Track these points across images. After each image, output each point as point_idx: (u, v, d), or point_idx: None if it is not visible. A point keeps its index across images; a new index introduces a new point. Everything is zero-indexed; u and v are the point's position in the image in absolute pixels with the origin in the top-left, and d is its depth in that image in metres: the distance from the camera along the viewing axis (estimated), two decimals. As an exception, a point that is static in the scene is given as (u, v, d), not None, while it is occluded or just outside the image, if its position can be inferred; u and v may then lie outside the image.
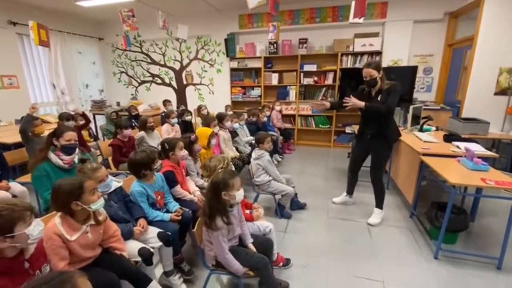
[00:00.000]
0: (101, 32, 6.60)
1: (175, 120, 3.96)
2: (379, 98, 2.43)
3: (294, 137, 5.63)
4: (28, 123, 2.83)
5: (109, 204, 1.69)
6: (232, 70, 5.79)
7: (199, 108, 4.77)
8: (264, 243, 1.83)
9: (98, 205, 1.39)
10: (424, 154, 2.50)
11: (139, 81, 6.80)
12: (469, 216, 2.38)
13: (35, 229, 1.06)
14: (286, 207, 2.83)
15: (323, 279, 1.95)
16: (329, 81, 5.20)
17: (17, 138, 3.28)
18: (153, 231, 1.77)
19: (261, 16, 5.30)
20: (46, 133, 2.38)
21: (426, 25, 4.66)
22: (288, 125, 5.57)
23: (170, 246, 1.78)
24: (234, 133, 3.70)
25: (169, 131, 3.79)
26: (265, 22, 5.25)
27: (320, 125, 5.49)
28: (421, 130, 3.33)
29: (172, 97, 6.47)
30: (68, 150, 2.11)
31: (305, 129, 5.63)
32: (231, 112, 4.46)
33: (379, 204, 2.70)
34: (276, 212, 2.82)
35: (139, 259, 1.54)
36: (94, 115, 6.03)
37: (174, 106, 5.94)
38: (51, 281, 0.71)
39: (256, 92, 5.73)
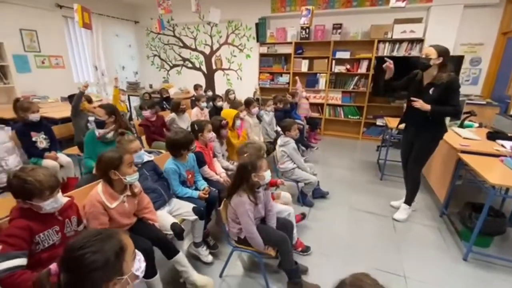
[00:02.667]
0: (137, 15, 6.81)
1: (204, 104, 4.06)
2: (431, 91, 2.15)
3: (321, 126, 5.51)
4: (79, 100, 3.08)
5: (144, 177, 1.83)
6: (261, 55, 5.73)
7: (227, 93, 4.82)
8: (285, 223, 1.89)
9: (133, 178, 1.53)
10: (463, 152, 2.34)
11: (171, 64, 6.99)
12: (507, 220, 2.22)
13: (50, 204, 1.22)
14: (309, 196, 2.84)
15: (341, 268, 1.97)
16: (362, 69, 4.95)
17: (63, 114, 3.59)
18: (187, 206, 1.90)
19: (295, 0, 5.12)
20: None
21: (478, 10, 4.21)
22: (315, 114, 5.46)
23: (203, 220, 1.92)
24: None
25: (198, 115, 3.90)
26: (299, 6, 5.06)
27: (350, 116, 5.30)
28: (461, 126, 3.10)
29: (201, 81, 6.59)
30: (98, 125, 2.38)
31: (333, 119, 5.48)
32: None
33: (409, 200, 2.59)
34: (298, 199, 2.83)
35: (171, 232, 1.67)
36: (129, 96, 6.36)
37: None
38: (98, 235, 0.79)
39: (284, 79, 5.64)
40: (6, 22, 4.32)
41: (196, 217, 1.88)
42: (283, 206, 2.05)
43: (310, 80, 5.38)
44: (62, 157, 2.73)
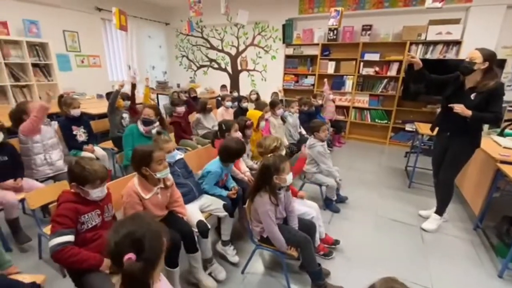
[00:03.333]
0: (168, 17, 7.09)
1: (229, 103, 4.14)
2: (472, 97, 2.02)
3: (346, 130, 5.40)
4: (115, 97, 3.29)
5: (176, 174, 1.92)
6: (287, 57, 5.72)
7: (250, 93, 4.88)
8: (308, 225, 1.88)
9: (163, 173, 1.61)
10: (502, 162, 2.19)
11: (198, 65, 7.20)
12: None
13: (97, 192, 1.38)
14: (334, 201, 2.77)
15: (364, 275, 1.92)
16: (392, 72, 4.79)
17: (100, 110, 3.84)
18: (218, 202, 1.97)
19: (323, 1, 5.07)
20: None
21: (524, 10, 3.91)
22: (341, 117, 5.36)
23: (232, 217, 1.97)
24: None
25: (224, 114, 3.99)
26: (327, 7, 5.01)
27: (377, 120, 5.14)
28: (501, 134, 2.89)
29: (226, 81, 6.71)
30: (145, 123, 2.55)
31: (359, 123, 5.34)
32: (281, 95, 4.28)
33: (440, 210, 2.47)
34: (323, 204, 2.80)
35: (196, 229, 1.73)
36: (157, 94, 6.64)
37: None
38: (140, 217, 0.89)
39: (309, 80, 5.59)
40: (51, 24, 4.70)
41: (226, 213, 1.94)
42: (306, 208, 2.05)
43: (336, 82, 5.28)
44: (98, 150, 2.92)
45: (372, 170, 3.88)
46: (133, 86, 3.76)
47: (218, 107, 4.40)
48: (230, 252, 2.03)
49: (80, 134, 2.83)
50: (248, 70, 6.52)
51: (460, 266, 2.04)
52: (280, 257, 1.77)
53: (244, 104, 4.34)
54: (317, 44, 5.25)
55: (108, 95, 3.63)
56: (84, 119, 2.94)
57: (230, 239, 2.09)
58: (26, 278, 1.36)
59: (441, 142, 2.35)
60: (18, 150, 2.24)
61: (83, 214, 1.35)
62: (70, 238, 1.27)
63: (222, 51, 6.70)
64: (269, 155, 1.76)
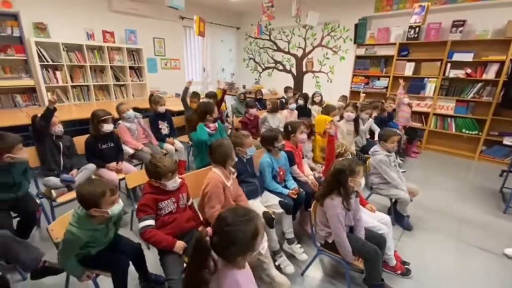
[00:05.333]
0: (239, 22, 7.51)
1: (293, 105, 4.16)
2: None
3: (423, 139, 4.81)
4: (185, 94, 3.67)
5: (247, 171, 2.06)
6: (358, 57, 5.41)
7: (313, 95, 4.78)
8: (377, 238, 1.77)
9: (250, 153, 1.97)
10: None
11: (263, 67, 7.42)
12: None
13: (171, 183, 1.59)
14: (406, 216, 2.51)
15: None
16: (489, 75, 4.05)
17: (178, 108, 4.31)
18: (275, 198, 2.02)
19: (404, -4, 4.63)
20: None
21: None
22: (417, 124, 4.80)
23: (289, 214, 2.00)
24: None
25: (288, 116, 4.02)
26: (409, 3, 4.55)
27: (464, 130, 4.42)
28: None
29: (290, 83, 6.74)
30: (215, 120, 2.79)
31: (440, 132, 4.69)
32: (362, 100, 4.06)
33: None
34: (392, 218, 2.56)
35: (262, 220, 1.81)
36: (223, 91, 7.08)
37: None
38: (244, 216, 0.98)
39: (382, 82, 5.17)
40: (145, 33, 5.49)
41: (282, 210, 1.97)
42: (377, 223, 1.91)
43: (415, 86, 4.75)
44: (177, 143, 3.31)
45: (454, 187, 3.37)
46: (224, 92, 4.04)
47: (281, 108, 4.45)
48: (297, 250, 2.05)
49: (164, 128, 3.26)
50: (313, 72, 6.41)
51: None
52: (345, 266, 1.70)
53: (300, 102, 4.30)
54: (394, 44, 4.81)
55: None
56: (167, 115, 3.37)
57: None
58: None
59: None
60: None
61: (161, 201, 1.58)
62: (151, 222, 1.52)
63: (288, 53, 6.75)
64: (341, 158, 1.72)
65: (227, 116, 4.94)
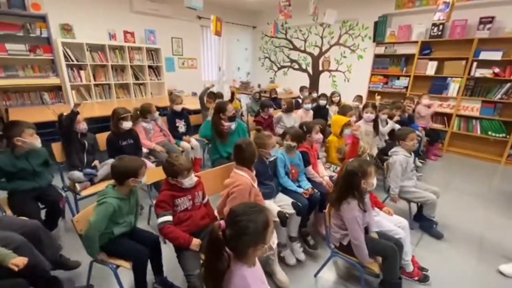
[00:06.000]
0: (255, 21, 7.51)
1: (308, 105, 4.11)
2: None
3: (445, 141, 4.62)
4: (204, 93, 3.72)
5: (268, 173, 2.09)
6: (376, 56, 5.27)
7: (332, 95, 4.70)
8: (392, 240, 1.72)
9: (273, 156, 1.98)
10: None
11: (279, 66, 7.39)
12: None
13: (187, 181, 1.63)
14: (434, 221, 2.39)
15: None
16: (519, 74, 3.83)
17: (195, 106, 4.39)
18: (287, 199, 2.03)
19: (428, -8, 4.45)
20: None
21: None
22: (438, 126, 4.61)
23: (300, 216, 2.00)
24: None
25: (303, 116, 3.99)
26: (432, 0, 4.37)
27: (490, 132, 4.20)
28: None
29: (305, 82, 6.67)
30: (231, 118, 2.74)
31: (463, 134, 4.48)
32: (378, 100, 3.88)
33: None
34: (410, 222, 2.48)
35: (276, 219, 1.82)
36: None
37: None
38: (254, 207, 1.02)
39: (402, 82, 5.00)
40: (163, 32, 5.62)
41: (294, 211, 1.96)
42: (393, 227, 1.86)
43: (437, 85, 4.57)
44: (193, 141, 3.37)
45: (478, 193, 3.21)
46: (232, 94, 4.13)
47: (296, 108, 4.42)
48: (296, 248, 2.07)
49: (181, 126, 3.33)
50: (330, 71, 6.31)
51: None
52: (360, 270, 1.68)
53: (321, 102, 4.24)
54: (416, 42, 4.65)
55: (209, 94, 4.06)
56: (184, 114, 3.43)
57: (307, 239, 2.12)
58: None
59: None
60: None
61: (177, 198, 1.63)
62: (169, 218, 1.57)
63: (304, 51, 6.68)
64: (351, 160, 1.69)
65: (241, 115, 4.97)
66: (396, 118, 3.47)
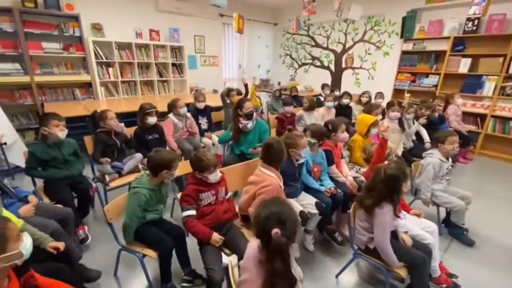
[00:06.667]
0: (276, 18, 7.44)
1: (330, 103, 4.02)
2: None
3: (477, 143, 4.35)
4: (225, 92, 3.76)
5: (297, 174, 2.07)
6: (404, 53, 5.04)
7: (362, 95, 4.54)
8: (421, 248, 1.65)
9: (302, 160, 1.93)
10: None
11: (300, 63, 7.28)
12: None
13: (213, 177, 1.67)
14: (464, 228, 2.29)
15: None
16: None
17: (216, 103, 4.44)
18: (311, 199, 2.00)
19: (463, -15, 4.18)
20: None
21: None
22: (471, 127, 4.34)
23: (322, 216, 1.98)
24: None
25: (325, 114, 3.91)
26: (468, -8, 4.10)
27: (529, 134, 3.91)
28: None
29: (327, 80, 6.52)
30: (248, 116, 2.67)
31: (498, 136, 4.19)
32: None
33: None
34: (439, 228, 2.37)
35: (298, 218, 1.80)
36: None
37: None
38: (281, 202, 1.07)
39: (431, 80, 4.75)
40: (187, 31, 5.72)
41: (317, 212, 1.94)
42: (421, 231, 1.77)
43: (469, 84, 4.30)
44: (214, 137, 3.41)
45: (513, 199, 3.00)
46: (246, 86, 4.14)
47: (318, 106, 4.33)
48: (308, 240, 2.12)
49: (203, 123, 3.39)
50: (353, 68, 6.13)
51: None
52: (385, 273, 1.62)
53: (345, 100, 4.13)
54: (448, 38, 4.39)
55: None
56: (207, 111, 3.49)
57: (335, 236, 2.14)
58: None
59: None
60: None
61: (202, 193, 1.67)
62: (193, 212, 1.62)
63: (327, 48, 6.54)
64: (387, 163, 1.62)
65: (261, 112, 4.97)
66: (422, 121, 3.27)
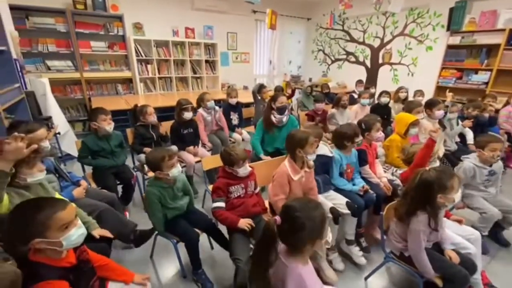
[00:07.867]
0: (309, 13, 7.27)
1: (365, 101, 3.85)
2: None
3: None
4: (256, 88, 3.79)
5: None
6: (449, 47, 4.65)
7: (398, 91, 4.27)
8: (465, 262, 1.52)
9: (312, 156, 1.82)
10: None
11: (333, 59, 7.06)
12: None
13: (242, 170, 1.71)
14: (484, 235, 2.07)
15: None
16: None
17: (246, 99, 4.49)
18: (342, 198, 1.95)
19: (525, -31, 3.73)
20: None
21: None
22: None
23: (355, 217, 1.92)
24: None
25: (359, 111, 3.76)
26: (531, -23, 3.65)
27: None
28: None
29: (361, 76, 6.25)
30: (280, 110, 2.69)
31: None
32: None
33: None
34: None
35: (329, 215, 1.79)
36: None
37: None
38: (310, 203, 1.05)
39: (481, 77, 4.33)
40: (220, 28, 5.83)
41: (348, 212, 1.89)
42: (461, 239, 1.64)
43: (527, 81, 3.85)
44: (244, 133, 3.48)
45: None
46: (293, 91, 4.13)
47: (351, 103, 4.17)
48: (355, 252, 1.99)
49: (235, 118, 3.46)
50: (391, 64, 5.80)
51: None
52: (418, 279, 1.54)
53: (383, 99, 3.91)
54: (503, 30, 3.96)
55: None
56: (239, 107, 3.56)
57: (360, 241, 2.04)
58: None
59: None
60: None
61: (232, 186, 1.73)
62: (222, 204, 1.69)
63: (363, 43, 6.25)
64: (428, 168, 1.50)
65: (291, 109, 4.92)
66: (467, 123, 2.94)
